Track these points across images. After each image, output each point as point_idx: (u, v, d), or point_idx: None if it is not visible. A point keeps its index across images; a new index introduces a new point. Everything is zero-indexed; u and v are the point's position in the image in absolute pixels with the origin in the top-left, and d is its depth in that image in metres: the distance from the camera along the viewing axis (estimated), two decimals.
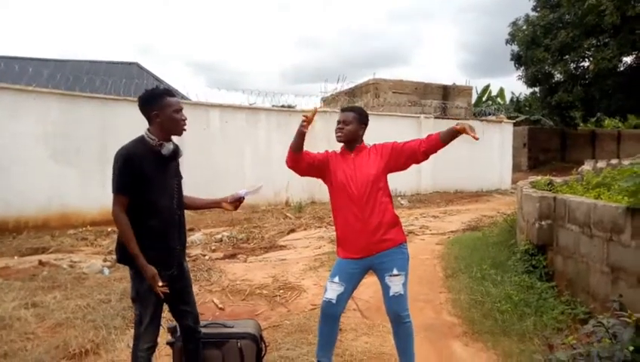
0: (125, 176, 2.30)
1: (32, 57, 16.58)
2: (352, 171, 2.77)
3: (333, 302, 2.75)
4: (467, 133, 2.60)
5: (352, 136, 2.83)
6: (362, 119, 2.87)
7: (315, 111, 2.69)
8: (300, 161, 2.77)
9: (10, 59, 14.50)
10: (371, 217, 2.70)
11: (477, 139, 2.62)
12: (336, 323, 2.85)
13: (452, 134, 2.66)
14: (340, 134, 2.84)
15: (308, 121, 2.62)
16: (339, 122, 2.85)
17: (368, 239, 2.70)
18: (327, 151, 2.94)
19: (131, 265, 2.36)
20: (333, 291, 2.75)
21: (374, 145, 2.89)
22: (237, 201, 2.71)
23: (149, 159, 2.36)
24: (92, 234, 8.44)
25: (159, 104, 2.38)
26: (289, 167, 2.83)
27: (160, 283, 2.30)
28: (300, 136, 2.68)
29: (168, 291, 2.34)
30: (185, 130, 2.48)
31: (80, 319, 3.85)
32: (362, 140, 2.90)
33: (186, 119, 2.47)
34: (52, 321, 3.80)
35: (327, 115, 11.93)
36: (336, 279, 2.76)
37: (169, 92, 2.47)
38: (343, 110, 2.91)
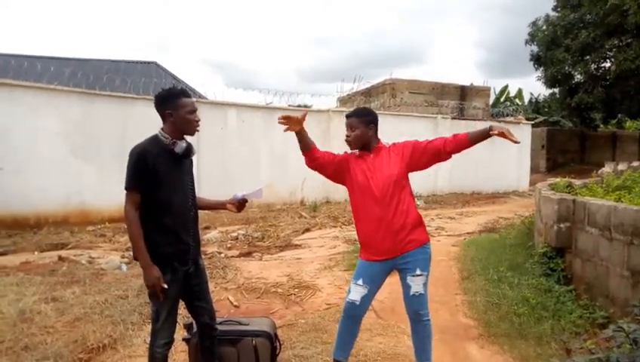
0: (138, 173, 2.33)
1: (53, 56, 16.87)
2: (373, 172, 2.70)
3: (357, 303, 2.73)
4: (506, 138, 2.52)
5: (362, 141, 2.76)
6: (368, 120, 2.77)
7: (304, 114, 2.66)
8: (315, 159, 2.75)
9: (33, 58, 14.81)
10: (395, 218, 2.65)
11: (518, 142, 2.57)
12: (357, 324, 2.84)
13: (483, 136, 2.59)
14: (349, 142, 2.79)
15: (288, 122, 2.64)
16: (346, 130, 2.81)
17: (392, 240, 2.65)
18: (345, 152, 2.87)
19: None
20: (357, 293, 2.73)
21: (394, 143, 2.81)
22: (240, 203, 2.71)
23: (162, 157, 2.38)
24: (110, 230, 8.57)
25: (174, 104, 2.41)
26: (311, 168, 2.80)
27: (164, 286, 2.31)
28: (297, 136, 2.70)
29: (164, 297, 2.35)
30: (198, 130, 2.50)
31: (98, 314, 3.91)
32: (378, 140, 2.82)
33: (199, 120, 2.50)
34: (71, 316, 3.87)
35: (342, 115, 11.87)
36: (360, 281, 2.73)
37: (185, 92, 2.48)
38: (347, 116, 2.82)
